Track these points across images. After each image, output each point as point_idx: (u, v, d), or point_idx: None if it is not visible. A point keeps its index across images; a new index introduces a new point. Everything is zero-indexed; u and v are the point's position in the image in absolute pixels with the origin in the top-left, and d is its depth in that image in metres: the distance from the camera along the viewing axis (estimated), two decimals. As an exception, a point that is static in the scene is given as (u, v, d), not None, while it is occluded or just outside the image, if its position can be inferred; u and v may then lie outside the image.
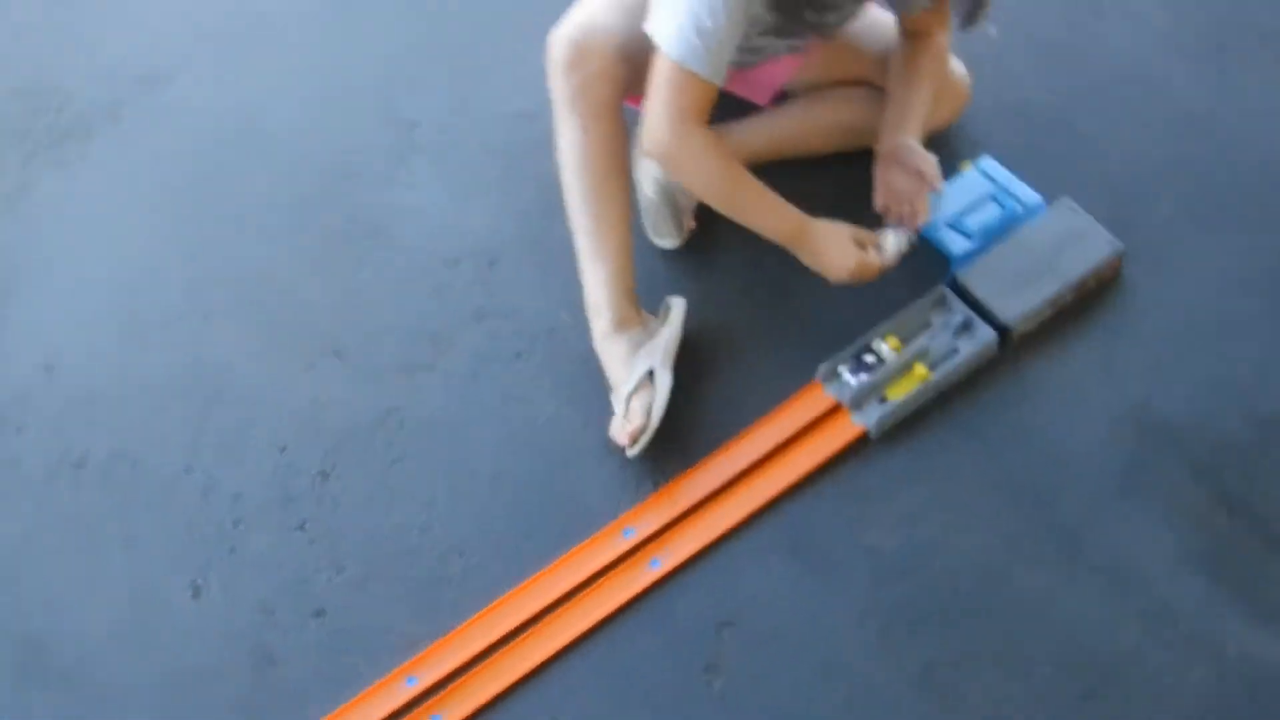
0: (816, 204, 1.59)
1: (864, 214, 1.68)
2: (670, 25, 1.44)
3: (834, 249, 1.58)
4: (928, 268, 1.69)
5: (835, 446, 1.59)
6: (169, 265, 1.94)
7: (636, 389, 1.58)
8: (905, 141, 1.66)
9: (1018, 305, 1.61)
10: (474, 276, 1.84)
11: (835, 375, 1.62)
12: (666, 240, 1.77)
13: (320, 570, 1.62)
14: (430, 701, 1.50)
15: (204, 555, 1.65)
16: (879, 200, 1.67)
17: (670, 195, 1.71)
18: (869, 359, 1.62)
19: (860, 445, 1.60)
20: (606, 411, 1.65)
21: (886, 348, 1.62)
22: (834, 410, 1.62)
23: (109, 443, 1.78)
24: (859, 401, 1.60)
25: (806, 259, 1.60)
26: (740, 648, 1.48)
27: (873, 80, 1.77)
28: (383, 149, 2.01)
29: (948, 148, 1.80)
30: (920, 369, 1.60)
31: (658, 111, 1.49)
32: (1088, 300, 1.68)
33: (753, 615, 1.51)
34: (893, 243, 1.59)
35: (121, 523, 1.71)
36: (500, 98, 2.02)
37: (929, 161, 1.65)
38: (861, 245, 1.59)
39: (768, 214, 1.58)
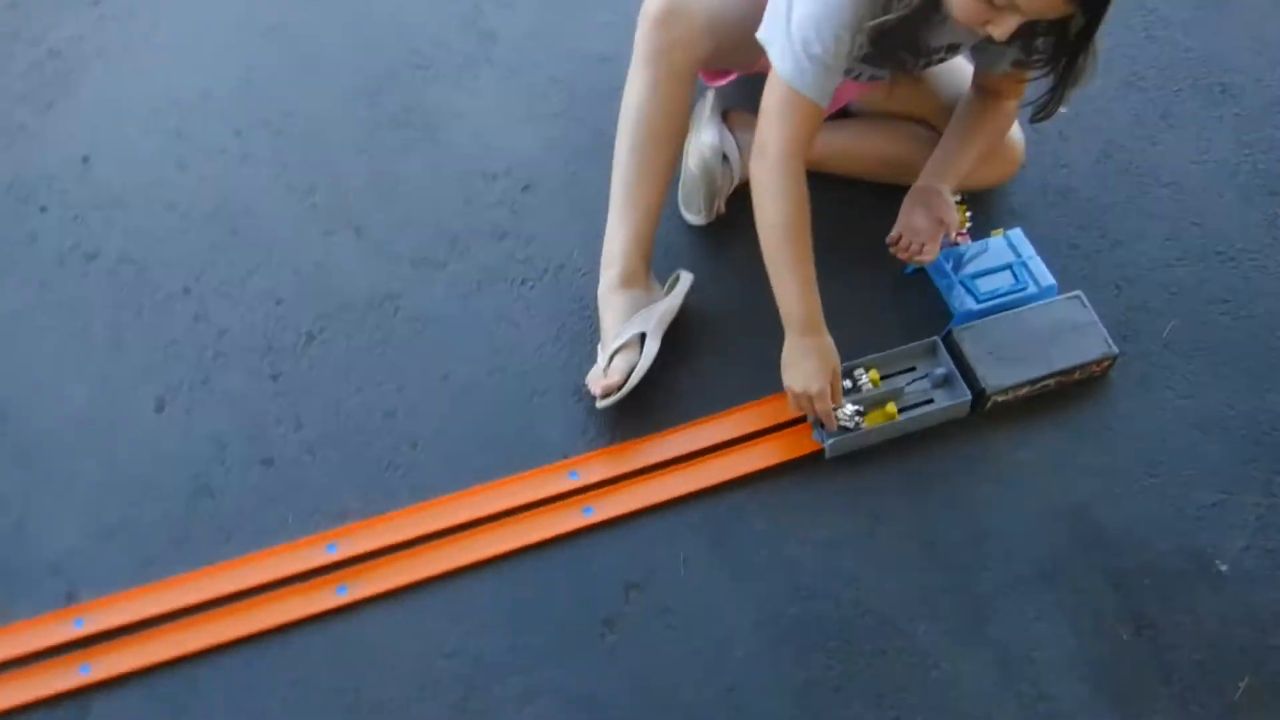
0: (821, 221, 1.62)
1: (858, 240, 1.76)
2: (783, 45, 1.49)
3: (813, 368, 1.60)
4: (930, 316, 1.75)
5: (788, 455, 1.66)
6: (226, 98, 2.00)
7: (623, 347, 1.64)
8: (938, 187, 1.71)
9: (1000, 376, 1.66)
10: (505, 196, 1.90)
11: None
12: (695, 216, 1.83)
13: (280, 422, 1.69)
14: (342, 572, 1.58)
15: (177, 375, 1.73)
16: (895, 231, 1.72)
17: (710, 174, 1.77)
18: (846, 384, 1.67)
19: (812, 462, 1.66)
20: (589, 359, 1.72)
21: (866, 378, 1.67)
22: (798, 421, 1.68)
23: (122, 245, 1.86)
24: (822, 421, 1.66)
25: (787, 351, 1.63)
26: (641, 612, 1.56)
27: (932, 122, 1.82)
28: (459, 51, 2.06)
29: (985, 211, 1.85)
30: (891, 408, 1.66)
31: (772, 138, 1.54)
32: (1068, 390, 1.73)
33: (662, 587, 1.58)
34: (846, 415, 1.64)
35: (112, 322, 1.79)
36: (582, 35, 2.07)
37: (953, 211, 1.70)
38: (831, 390, 1.61)
39: (800, 287, 1.59)
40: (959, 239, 1.77)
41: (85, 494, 1.64)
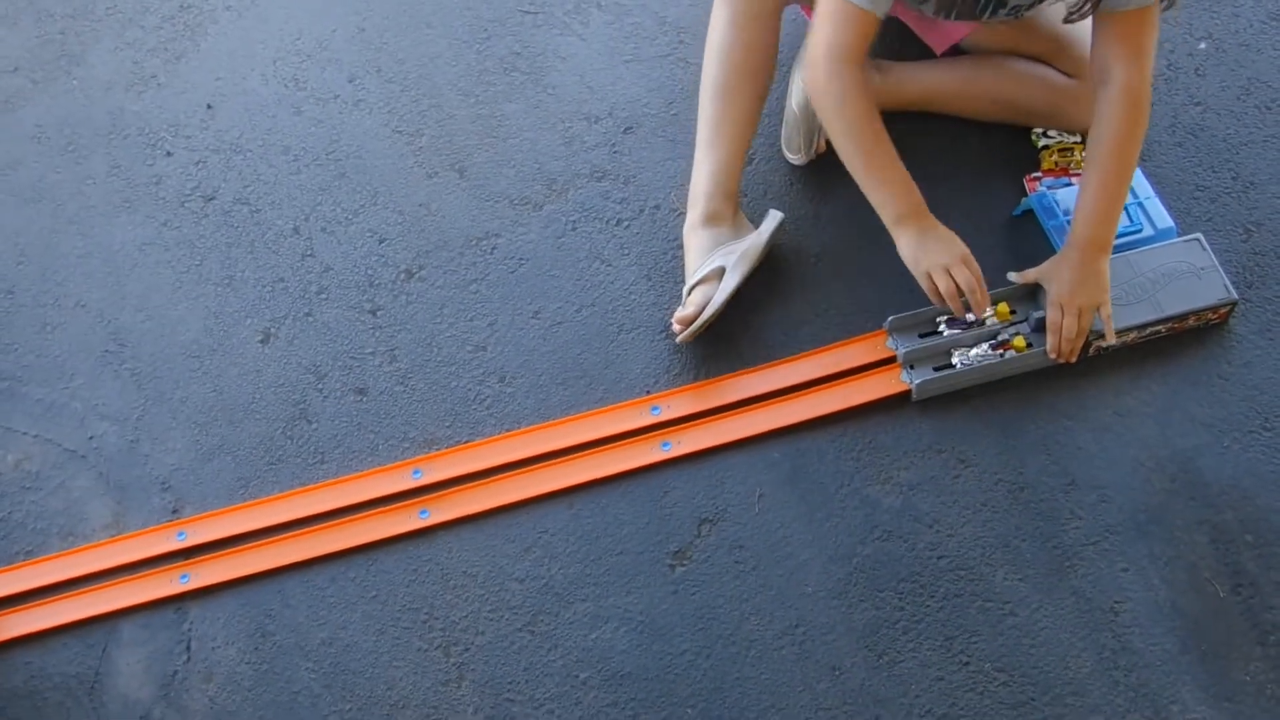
0: (929, 158, 1.74)
1: (965, 177, 1.89)
2: None
3: (938, 251, 1.71)
4: (1037, 258, 1.83)
5: (873, 396, 1.79)
6: (342, 46, 2.27)
7: (701, 281, 1.81)
8: (1096, 260, 1.71)
9: (1102, 319, 1.75)
10: (606, 137, 2.10)
11: (912, 327, 1.81)
12: (795, 155, 1.98)
13: (376, 354, 1.94)
14: (425, 497, 1.80)
15: (283, 309, 1.99)
16: (1052, 314, 1.73)
17: (810, 113, 1.92)
18: (969, 317, 1.78)
19: (898, 403, 1.79)
20: (678, 298, 1.89)
21: (991, 310, 1.78)
22: (887, 362, 1.81)
23: (238, 187, 2.14)
24: (913, 360, 1.79)
25: (904, 246, 1.73)
26: (711, 546, 1.72)
27: (1050, 60, 1.91)
28: (569, -2, 2.28)
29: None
30: (1020, 340, 1.77)
31: (815, 43, 1.69)
32: (1182, 338, 1.80)
33: (734, 522, 1.74)
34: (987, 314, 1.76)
35: (225, 259, 2.07)
36: (691, -23, 2.26)
37: (1107, 300, 1.72)
38: (966, 267, 1.71)
39: (891, 183, 1.71)
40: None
41: (193, 417, 1.91)
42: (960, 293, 1.69)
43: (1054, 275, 1.73)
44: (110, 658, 1.72)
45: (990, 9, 1.71)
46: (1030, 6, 1.73)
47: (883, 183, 1.71)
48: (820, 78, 1.68)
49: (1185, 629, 1.61)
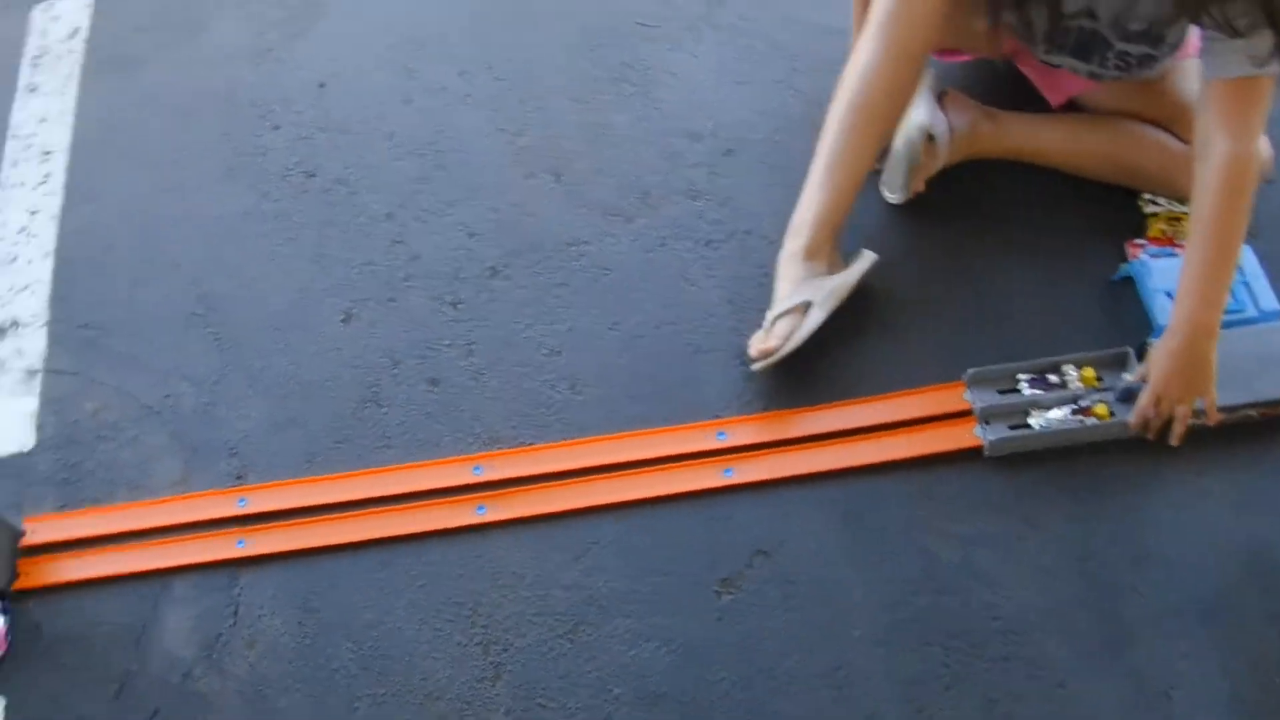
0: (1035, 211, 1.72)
1: (1070, 237, 1.89)
2: None
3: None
4: (1128, 325, 1.81)
5: (944, 448, 1.78)
6: (457, 40, 2.32)
7: (787, 312, 1.82)
8: (1204, 346, 1.66)
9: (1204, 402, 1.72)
10: (706, 157, 2.12)
11: (992, 382, 1.80)
12: (893, 194, 1.98)
13: (453, 346, 1.97)
14: (484, 494, 1.82)
15: (368, 291, 2.04)
16: (1144, 399, 1.72)
17: (913, 152, 1.92)
18: (1053, 378, 1.78)
19: (969, 458, 1.78)
20: (758, 325, 1.90)
21: (1076, 374, 1.77)
22: (962, 415, 1.80)
23: (340, 168, 2.20)
24: (989, 416, 1.77)
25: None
26: (762, 579, 1.72)
27: (1168, 125, 1.89)
28: (684, 14, 2.31)
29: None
30: (1102, 408, 1.75)
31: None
32: (1274, 423, 1.76)
33: (788, 558, 1.74)
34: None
35: (319, 236, 2.12)
36: (814, 5, 2.27)
37: (1213, 389, 1.69)
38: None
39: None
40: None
41: (269, 387, 1.96)
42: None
43: (1154, 363, 1.70)
44: (160, 613, 1.77)
45: (1099, 52, 1.72)
46: (1144, 62, 1.73)
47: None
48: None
49: (1242, 723, 1.57)
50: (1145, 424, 1.72)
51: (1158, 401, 1.69)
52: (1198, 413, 1.71)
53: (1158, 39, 1.73)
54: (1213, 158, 1.60)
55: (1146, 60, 1.77)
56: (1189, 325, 1.65)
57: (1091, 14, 1.73)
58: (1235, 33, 1.50)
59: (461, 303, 2.01)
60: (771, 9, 2.28)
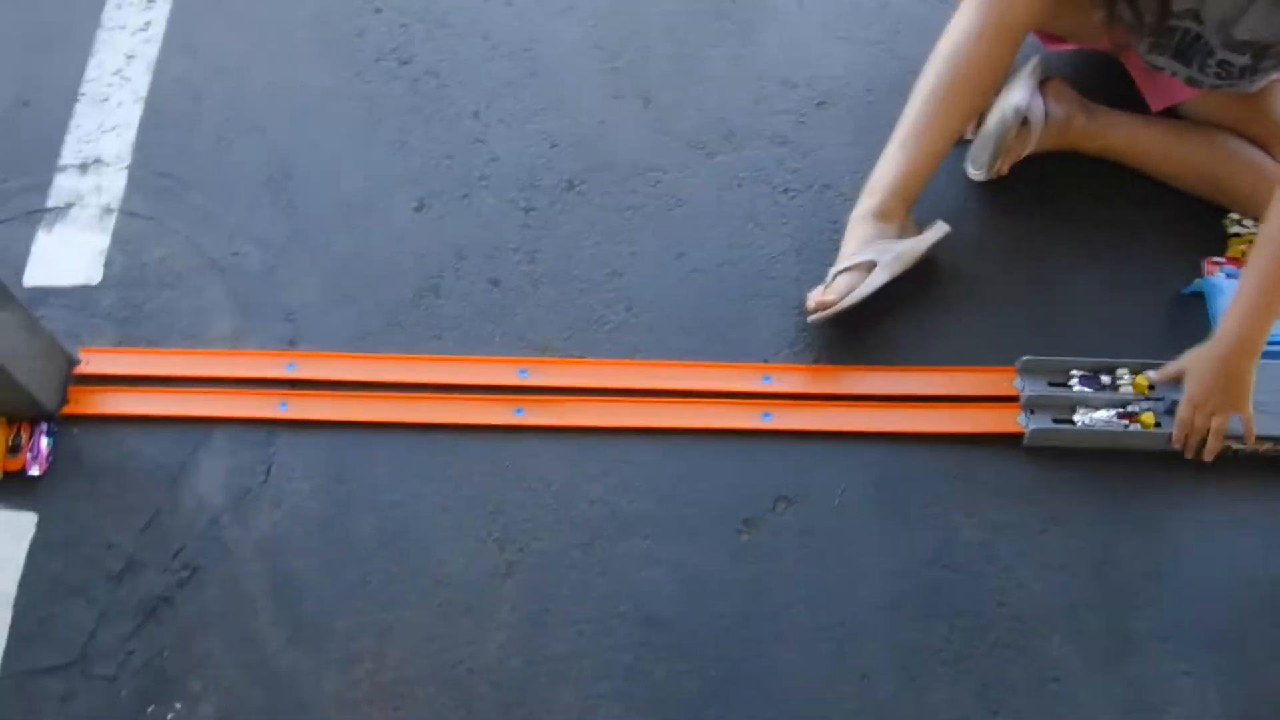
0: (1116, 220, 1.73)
1: (1150, 246, 1.88)
2: None
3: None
4: (1190, 340, 1.79)
5: (985, 429, 1.78)
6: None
7: (850, 269, 1.81)
8: (1242, 365, 1.67)
9: (1240, 421, 1.70)
10: (797, 106, 2.11)
11: (1044, 373, 1.80)
12: (977, 171, 1.97)
13: (518, 251, 1.98)
14: (525, 397, 1.84)
15: (443, 185, 2.05)
16: (1183, 410, 1.73)
17: (1005, 132, 1.89)
18: (1105, 379, 1.78)
19: (1007, 443, 1.78)
20: (820, 277, 1.90)
21: (1129, 379, 1.77)
22: (1008, 399, 1.79)
23: (433, 59, 2.20)
24: (1035, 406, 1.77)
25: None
26: (783, 524, 1.74)
27: (1268, 146, 1.86)
28: (798, -40, 2.29)
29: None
30: (1149, 417, 1.74)
31: None
32: (1313, 463, 1.75)
33: (811, 509, 1.74)
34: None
35: (402, 125, 2.13)
36: (927, -28, 2.24)
37: (1249, 408, 1.69)
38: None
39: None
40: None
41: (332, 262, 1.99)
42: None
43: (1193, 371, 1.70)
44: (197, 458, 1.81)
45: (1200, 57, 1.72)
46: (1245, 73, 1.73)
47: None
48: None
49: (1233, 750, 1.57)
50: (1185, 438, 1.69)
51: (1194, 411, 1.68)
52: (1237, 438, 1.69)
53: (1261, 51, 1.70)
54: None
55: (1247, 72, 1.75)
56: (1234, 339, 1.65)
57: (1198, 16, 1.70)
58: None
59: (533, 210, 2.02)
60: (885, -33, 2.25)
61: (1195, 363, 1.70)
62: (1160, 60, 1.82)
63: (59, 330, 1.85)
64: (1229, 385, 1.66)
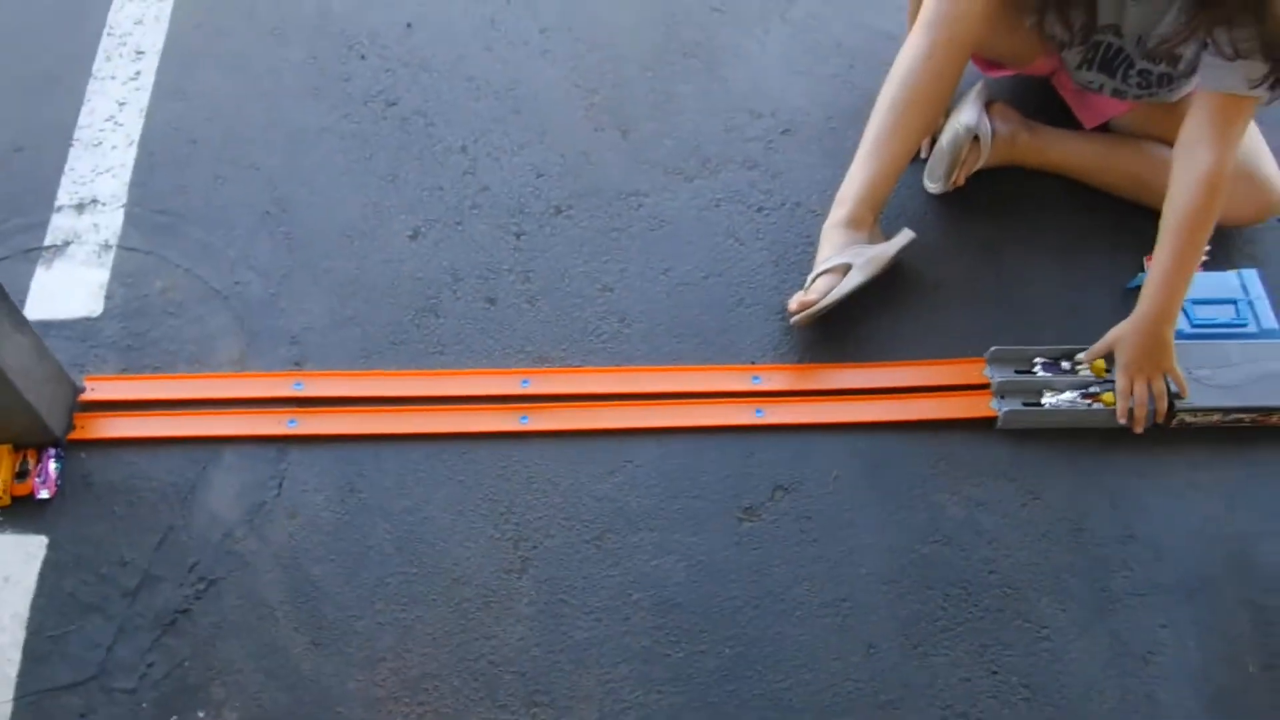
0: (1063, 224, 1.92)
1: (1092, 248, 2.04)
2: None
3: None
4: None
5: (961, 414, 1.90)
6: (541, 1, 2.44)
7: (827, 271, 1.94)
8: (1162, 331, 1.84)
9: (1194, 396, 1.85)
10: (764, 133, 2.25)
11: (1011, 361, 1.93)
12: (934, 185, 2.12)
13: (511, 272, 2.08)
14: (528, 405, 1.93)
15: (436, 213, 2.15)
16: (1121, 380, 1.89)
17: (958, 149, 2.05)
18: (1065, 365, 1.92)
19: (982, 427, 1.90)
20: (798, 285, 2.02)
21: (1087, 365, 1.91)
22: (980, 388, 1.92)
23: (419, 101, 2.31)
24: (1005, 391, 1.90)
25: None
26: (781, 511, 1.83)
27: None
28: (757, 4, 2.44)
29: (1225, 248, 2.05)
30: (1109, 397, 1.88)
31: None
32: (1265, 430, 1.89)
33: (807, 495, 1.84)
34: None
35: (393, 159, 2.23)
36: (878, 11, 2.41)
37: (1174, 369, 1.87)
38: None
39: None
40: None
41: (333, 287, 2.06)
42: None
43: (1120, 343, 1.86)
44: (208, 476, 1.86)
45: (1123, 68, 1.93)
46: (1163, 81, 1.93)
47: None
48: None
49: (1211, 693, 1.68)
50: (1129, 410, 1.85)
51: (1129, 378, 1.84)
52: (1190, 410, 1.83)
53: (1174, 59, 1.89)
54: (1194, 163, 1.78)
55: (1164, 80, 1.95)
56: (1156, 310, 1.82)
57: (1118, 31, 1.91)
58: (1236, 55, 1.70)
59: (524, 234, 2.11)
60: (839, 10, 2.42)
61: (1122, 333, 1.87)
62: (1088, 75, 2.00)
63: (63, 360, 1.90)
64: (1155, 348, 1.83)
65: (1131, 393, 1.85)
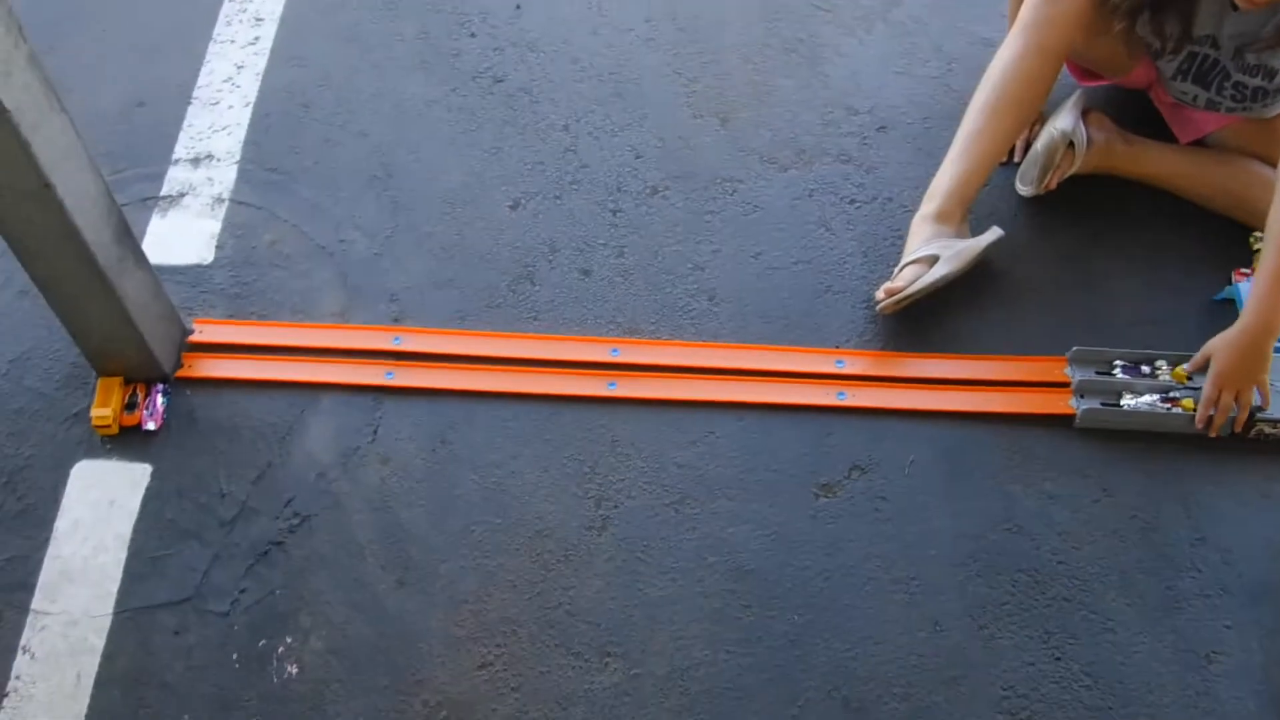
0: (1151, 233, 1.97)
1: (1182, 257, 2.08)
2: None
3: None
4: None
5: (1040, 410, 1.94)
6: (650, -6, 2.53)
7: (915, 261, 1.99)
8: (1262, 347, 1.86)
9: (1276, 407, 1.88)
10: (861, 129, 2.30)
11: (1092, 362, 1.96)
12: (1026, 188, 2.16)
13: (606, 246, 2.15)
14: (617, 372, 1.99)
15: (537, 186, 2.22)
16: (1208, 388, 1.90)
17: (1052, 153, 2.09)
18: (1145, 369, 1.95)
19: (1060, 423, 1.94)
20: (886, 276, 2.07)
21: (1168, 369, 1.94)
22: (1060, 386, 1.96)
23: (525, 79, 2.39)
24: (1085, 390, 1.93)
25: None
26: (857, 490, 1.88)
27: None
28: (860, 5, 2.51)
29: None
30: (1189, 402, 1.91)
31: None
32: (1340, 450, 1.92)
33: (883, 478, 1.89)
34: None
35: (498, 133, 2.31)
36: (979, 19, 2.46)
37: (1265, 382, 1.88)
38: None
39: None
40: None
41: (434, 250, 2.14)
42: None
43: (1219, 353, 1.88)
44: (305, 419, 1.94)
45: (1218, 81, 1.96)
46: (1258, 95, 1.97)
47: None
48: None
49: (1271, 695, 1.71)
50: (1209, 419, 1.87)
51: (1218, 389, 1.86)
52: (1269, 421, 1.86)
53: (1271, 73, 1.94)
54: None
55: (1259, 94, 1.99)
56: (1259, 323, 1.84)
57: (1215, 42, 1.95)
58: None
59: (620, 211, 2.18)
60: (940, 14, 2.47)
61: (1220, 345, 1.89)
62: (1182, 86, 2.04)
63: (175, 303, 1.99)
64: (1252, 361, 1.85)
65: (1217, 401, 1.86)
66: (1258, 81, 1.95)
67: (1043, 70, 2.00)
